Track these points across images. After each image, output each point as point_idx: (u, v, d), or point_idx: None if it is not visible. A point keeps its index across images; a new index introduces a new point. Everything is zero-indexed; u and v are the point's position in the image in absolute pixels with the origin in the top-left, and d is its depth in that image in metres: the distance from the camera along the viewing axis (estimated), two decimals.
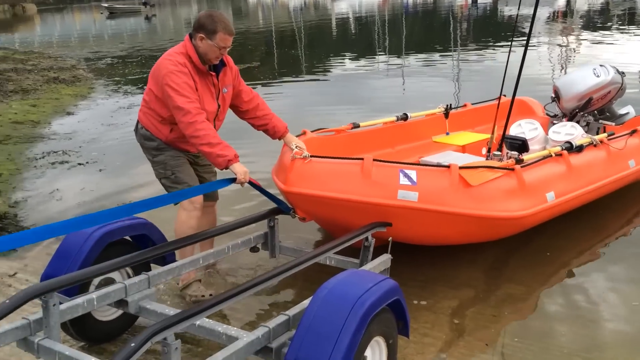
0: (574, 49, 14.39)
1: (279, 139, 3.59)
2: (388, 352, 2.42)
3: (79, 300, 2.48)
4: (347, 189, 3.25)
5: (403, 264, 3.48)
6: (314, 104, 9.10)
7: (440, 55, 14.64)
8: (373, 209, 3.25)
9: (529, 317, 3.20)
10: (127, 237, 2.99)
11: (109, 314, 2.98)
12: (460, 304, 3.33)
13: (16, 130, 7.76)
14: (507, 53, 4.41)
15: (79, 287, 2.70)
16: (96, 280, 2.86)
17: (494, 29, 21.32)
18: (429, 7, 37.39)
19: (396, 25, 25.99)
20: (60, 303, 2.38)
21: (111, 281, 2.90)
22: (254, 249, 3.49)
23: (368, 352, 2.31)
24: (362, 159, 3.33)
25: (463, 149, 5.00)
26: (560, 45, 15.16)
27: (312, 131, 4.31)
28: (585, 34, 16.86)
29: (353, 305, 2.13)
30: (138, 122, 3.44)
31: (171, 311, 2.51)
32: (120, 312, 2.98)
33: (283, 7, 48.36)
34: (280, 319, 2.38)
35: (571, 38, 16.54)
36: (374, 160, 3.32)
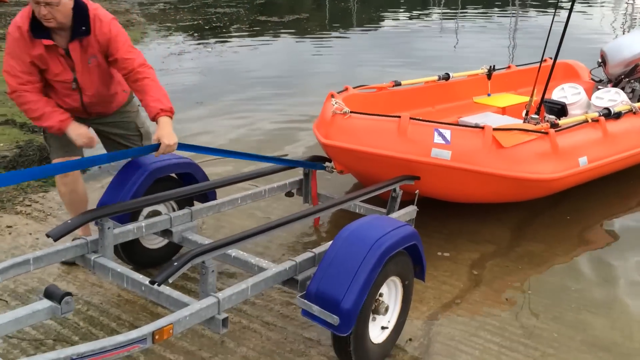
0: (634, 10, 13.75)
1: (153, 121, 2.97)
2: (403, 291, 2.63)
3: (130, 226, 2.78)
4: (384, 144, 3.41)
5: (430, 217, 3.66)
6: (363, 59, 9.15)
7: (499, 12, 14.23)
8: (407, 165, 3.41)
9: (545, 272, 3.35)
10: (173, 175, 3.27)
11: (156, 243, 3.29)
12: (480, 257, 3.50)
13: None
14: (553, 14, 4.38)
15: (130, 216, 3.00)
16: (145, 211, 3.16)
17: None
18: None
19: None
20: (114, 228, 2.68)
21: (158, 213, 3.20)
22: (289, 194, 3.72)
23: (384, 290, 2.53)
24: (399, 116, 3.47)
25: (503, 110, 5.04)
26: (617, 6, 14.50)
27: (354, 87, 4.45)
28: None
29: (372, 246, 2.34)
30: None
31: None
32: (165, 241, 3.29)
33: None
34: (307, 255, 2.61)
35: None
36: (411, 118, 3.45)
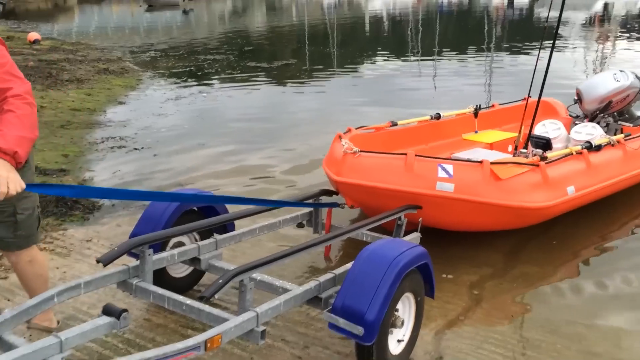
0: (604, 54, 14.58)
1: None
2: (416, 308, 2.91)
3: (165, 254, 3.04)
4: (392, 180, 3.73)
5: (431, 244, 3.91)
6: (345, 102, 9.58)
7: (473, 56, 14.97)
8: (413, 197, 3.72)
9: (540, 290, 3.66)
10: (194, 208, 3.54)
11: (180, 272, 3.54)
12: (479, 278, 3.80)
13: (75, 117, 8.43)
14: (536, 56, 4.83)
15: (160, 246, 3.26)
16: (171, 242, 3.42)
17: (528, 32, 21.43)
18: (464, 7, 37.40)
19: (430, 25, 26.26)
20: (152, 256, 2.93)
21: (182, 243, 3.45)
22: (300, 225, 4.00)
23: (400, 306, 2.81)
24: (405, 154, 3.81)
25: (491, 146, 5.44)
26: (589, 50, 15.34)
27: (355, 128, 4.83)
28: (621, 40, 16.94)
29: (390, 264, 2.63)
30: None
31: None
32: (188, 271, 3.54)
33: (317, 4, 48.81)
34: (328, 275, 2.89)
35: (604, 43, 16.68)
36: (416, 155, 3.80)
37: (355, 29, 26.41)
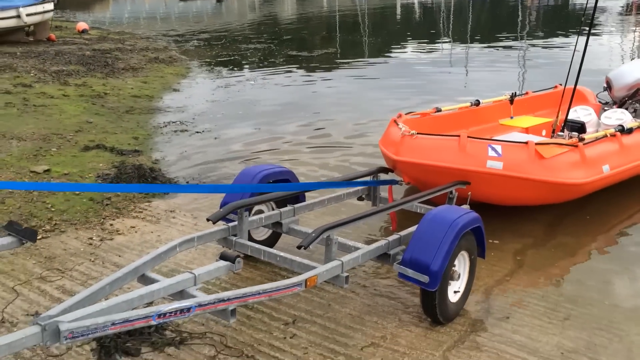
0: (636, 42, 14.66)
1: None
2: (470, 265, 3.41)
3: (255, 217, 3.60)
4: (447, 158, 4.21)
5: None
6: (376, 90, 10.06)
7: (506, 45, 15.21)
8: (465, 174, 4.20)
9: (576, 257, 4.12)
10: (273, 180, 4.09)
11: (261, 235, 4.10)
12: (522, 247, 4.28)
13: (137, 103, 9.10)
14: (574, 45, 5.20)
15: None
16: (254, 209, 3.98)
17: (562, 20, 21.44)
18: None
19: (462, 13, 26.35)
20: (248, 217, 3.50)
21: (261, 212, 4.01)
22: (360, 198, 4.54)
23: (457, 262, 3.31)
24: (458, 135, 4.28)
25: (526, 130, 5.86)
26: (624, 38, 15.42)
27: (405, 114, 5.32)
28: None
29: (450, 225, 3.14)
30: None
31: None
32: (267, 234, 4.10)
33: None
34: (394, 236, 3.41)
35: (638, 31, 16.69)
36: (468, 137, 4.27)
37: (386, 17, 26.67)
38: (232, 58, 13.98)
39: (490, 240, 4.26)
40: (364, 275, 3.84)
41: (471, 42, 16.24)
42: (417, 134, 4.39)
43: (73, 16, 26.12)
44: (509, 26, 19.99)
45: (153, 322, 2.33)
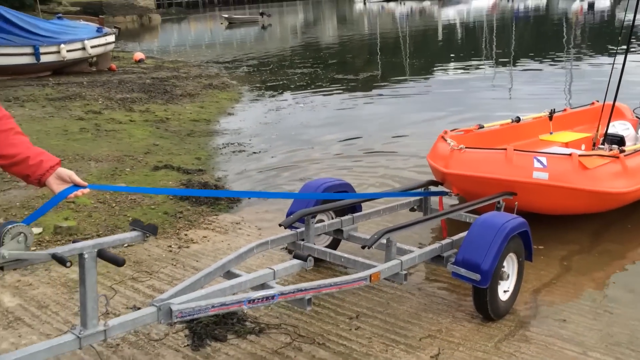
0: None
1: (40, 180, 2.31)
2: (518, 266, 3.71)
3: (319, 224, 4.01)
4: (494, 170, 4.51)
5: None
6: (419, 109, 10.43)
7: (549, 62, 15.33)
8: (512, 185, 4.49)
9: (622, 263, 4.35)
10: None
11: (322, 242, 4.49)
12: (568, 253, 4.53)
13: (196, 126, 9.74)
14: (612, 62, 5.47)
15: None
16: (316, 218, 4.39)
17: (607, 36, 21.33)
18: (541, 12, 37.09)
19: (505, 31, 26.49)
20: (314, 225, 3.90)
21: (321, 220, 4.41)
22: (412, 209, 4.89)
23: (506, 263, 3.62)
24: (505, 149, 4.60)
25: (566, 145, 6.09)
26: None
27: (450, 130, 5.66)
28: None
29: (499, 228, 3.46)
30: None
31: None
32: (328, 242, 4.49)
33: (389, 14, 49.66)
34: (447, 240, 3.75)
35: None
36: (514, 150, 4.58)
37: (427, 37, 27.04)
38: (281, 82, 14.61)
39: (537, 247, 4.53)
40: (418, 280, 4.18)
41: (514, 60, 16.42)
42: (466, 148, 4.73)
43: (126, 46, 27.59)
44: (552, 43, 20.05)
45: (244, 307, 2.74)
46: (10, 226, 2.13)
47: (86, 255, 2.33)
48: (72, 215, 5.30)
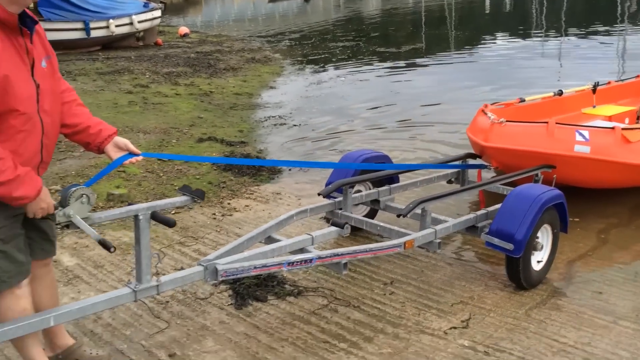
0: None
1: (100, 147, 2.50)
2: (552, 238, 3.76)
3: (357, 194, 4.14)
4: (535, 143, 4.49)
5: None
6: (461, 82, 10.31)
7: (601, 35, 14.81)
8: (553, 158, 4.47)
9: None
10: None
11: (361, 212, 4.63)
12: (606, 226, 4.53)
13: (238, 100, 9.95)
14: None
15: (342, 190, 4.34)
16: (355, 188, 4.52)
17: None
18: None
19: (556, 2, 25.57)
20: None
21: (359, 190, 4.53)
22: (449, 182, 4.96)
23: (540, 234, 3.67)
24: (547, 122, 4.59)
25: (609, 119, 5.98)
26: None
27: (491, 104, 5.65)
28: None
29: (534, 199, 3.51)
30: None
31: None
32: (366, 212, 4.62)
33: None
34: (482, 211, 3.83)
35: None
36: (556, 123, 4.57)
37: (474, 9, 26.37)
38: (323, 56, 14.64)
39: (574, 219, 4.54)
40: (453, 250, 4.28)
41: (565, 33, 15.92)
42: (507, 121, 4.73)
43: (171, 21, 27.98)
44: (604, 16, 19.29)
45: (284, 269, 2.92)
46: (74, 189, 2.34)
47: (141, 217, 2.54)
48: (123, 183, 5.59)
